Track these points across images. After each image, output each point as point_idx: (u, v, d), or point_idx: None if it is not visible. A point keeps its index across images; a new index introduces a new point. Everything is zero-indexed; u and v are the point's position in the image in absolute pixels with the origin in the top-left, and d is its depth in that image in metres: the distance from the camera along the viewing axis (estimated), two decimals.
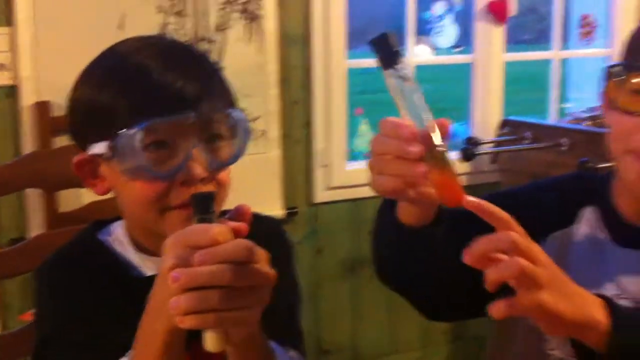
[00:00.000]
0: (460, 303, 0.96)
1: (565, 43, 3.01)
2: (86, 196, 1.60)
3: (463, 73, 2.71)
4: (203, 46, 2.17)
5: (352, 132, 2.74)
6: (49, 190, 1.74)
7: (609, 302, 0.73)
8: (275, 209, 2.29)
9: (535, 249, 0.70)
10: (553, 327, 0.72)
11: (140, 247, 0.96)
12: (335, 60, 2.37)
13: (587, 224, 0.95)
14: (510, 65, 2.73)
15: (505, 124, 2.58)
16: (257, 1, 2.23)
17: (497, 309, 0.68)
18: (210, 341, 0.72)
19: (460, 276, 0.82)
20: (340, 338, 2.56)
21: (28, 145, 2.01)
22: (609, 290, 0.88)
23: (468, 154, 2.28)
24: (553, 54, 2.83)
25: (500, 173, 2.55)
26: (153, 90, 0.86)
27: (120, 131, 0.85)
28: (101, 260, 0.96)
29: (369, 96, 9.07)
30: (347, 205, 2.48)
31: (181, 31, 2.15)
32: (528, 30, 16.02)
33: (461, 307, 0.98)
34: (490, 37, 2.63)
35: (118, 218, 1.00)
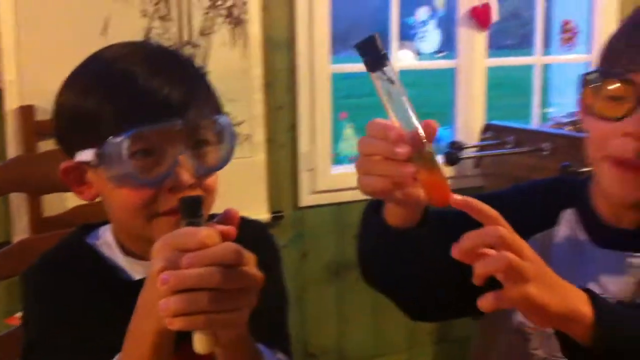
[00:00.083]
0: (446, 303, 0.97)
1: (547, 48, 3.04)
2: (71, 200, 1.59)
3: (446, 78, 2.73)
4: (187, 50, 2.17)
5: (337, 136, 2.75)
6: (34, 194, 1.74)
7: (593, 296, 0.75)
8: (260, 212, 2.29)
9: (522, 243, 0.72)
10: (539, 319, 0.73)
11: (128, 251, 0.96)
12: (319, 64, 2.38)
13: (567, 225, 0.97)
14: (493, 70, 2.75)
15: (488, 128, 2.61)
16: (241, 6, 2.24)
17: (486, 301, 0.69)
18: (199, 342, 0.73)
19: (446, 276, 0.83)
20: (326, 341, 2.57)
21: (12, 149, 2.00)
22: None
23: (452, 159, 2.30)
24: (535, 59, 2.86)
25: (483, 177, 2.57)
26: (139, 97, 0.86)
27: (107, 139, 0.85)
28: (89, 263, 0.96)
29: (353, 100, 9.10)
30: (332, 209, 2.49)
31: (165, 35, 2.15)
32: (511, 36, 16.15)
33: (446, 307, 0.99)
34: (473, 43, 2.65)
35: (105, 222, 1.00)
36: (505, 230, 0.71)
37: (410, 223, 0.84)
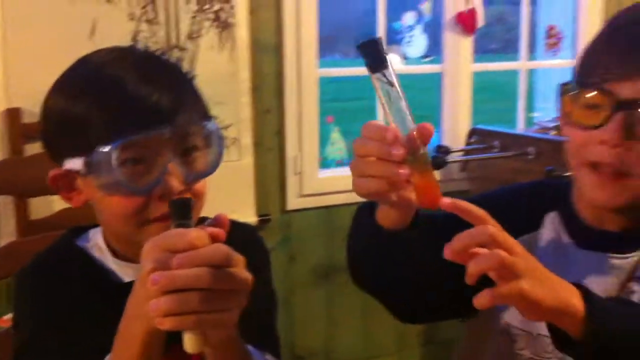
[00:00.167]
0: (436, 305, 0.98)
1: (533, 53, 3.07)
2: (57, 203, 1.59)
3: (432, 82, 2.75)
4: (175, 54, 2.17)
5: (324, 139, 2.76)
6: (21, 197, 1.73)
7: (584, 291, 0.76)
8: (248, 216, 2.30)
9: (512, 241, 0.73)
10: (532, 313, 0.74)
11: (118, 254, 0.97)
12: (306, 68, 2.39)
13: (551, 228, 0.99)
14: (478, 75, 2.77)
15: (474, 132, 2.63)
16: (228, 9, 2.24)
17: (482, 299, 0.70)
18: (189, 342, 0.73)
19: (437, 279, 0.84)
20: (314, 344, 2.57)
21: None
22: None
23: (438, 162, 2.31)
24: (520, 64, 2.88)
25: (469, 181, 2.59)
26: (128, 104, 0.86)
27: (96, 146, 0.85)
28: (80, 266, 0.97)
29: (339, 104, 9.12)
30: (320, 213, 2.49)
31: (153, 39, 2.15)
32: (496, 40, 16.26)
33: (436, 310, 1.00)
34: (459, 48, 2.67)
35: (95, 224, 1.00)
36: (495, 228, 0.72)
37: (401, 225, 0.85)
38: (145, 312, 0.71)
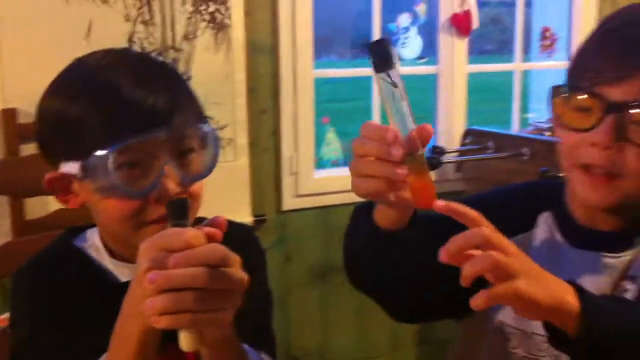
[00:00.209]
0: (433, 305, 0.99)
1: (527, 55, 3.09)
2: (53, 203, 1.59)
3: (428, 83, 2.76)
4: (170, 55, 2.18)
5: (320, 140, 2.77)
6: (16, 197, 1.73)
7: (578, 289, 0.77)
8: (243, 216, 2.30)
9: (506, 241, 0.74)
10: (528, 312, 0.75)
11: (114, 254, 0.97)
12: (302, 69, 2.39)
13: (544, 228, 1.00)
14: (473, 76, 2.78)
15: (468, 133, 2.63)
16: (224, 11, 2.24)
17: (478, 300, 0.71)
18: (185, 341, 0.74)
19: (434, 279, 0.85)
20: (309, 344, 2.58)
21: None
22: None
23: (433, 163, 2.32)
24: (515, 65, 2.90)
25: (464, 181, 2.60)
26: (124, 108, 0.87)
27: (92, 150, 0.85)
28: (77, 266, 0.97)
29: (335, 105, 9.13)
30: (316, 213, 2.50)
31: (148, 40, 2.15)
32: (491, 41, 16.29)
33: (433, 309, 1.01)
34: (454, 49, 2.68)
35: (92, 224, 1.00)
36: (489, 230, 0.73)
37: (399, 225, 0.86)
38: (142, 310, 0.71)
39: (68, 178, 0.91)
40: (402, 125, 0.76)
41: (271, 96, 2.38)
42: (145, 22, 2.14)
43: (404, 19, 2.82)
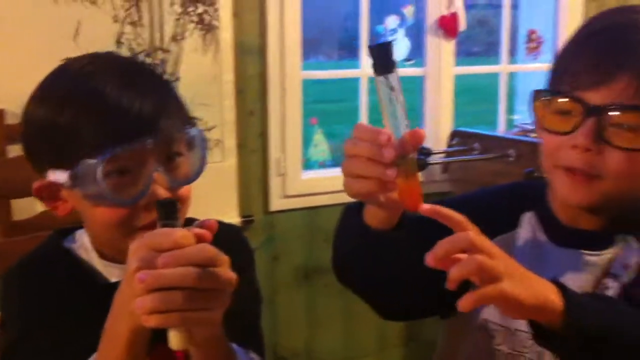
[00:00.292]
0: (419, 304, 1.01)
1: (514, 56, 3.11)
2: (41, 204, 1.59)
3: (415, 85, 2.77)
4: (159, 56, 2.18)
5: (307, 141, 2.77)
6: (3, 198, 1.73)
7: (561, 287, 0.79)
8: (231, 217, 2.31)
9: (490, 244, 0.75)
10: (513, 311, 0.77)
11: (104, 255, 0.97)
12: (290, 71, 2.40)
13: (527, 228, 1.01)
14: (460, 77, 2.80)
15: (455, 135, 2.65)
16: (212, 12, 2.25)
17: (465, 302, 0.72)
18: (174, 339, 0.75)
19: (422, 278, 0.86)
20: (297, 344, 2.59)
21: None
22: None
23: (421, 164, 2.34)
24: (501, 67, 2.92)
25: (451, 182, 2.62)
26: (111, 116, 0.87)
27: (80, 159, 0.86)
28: (66, 267, 0.97)
29: (323, 106, 9.14)
30: (303, 214, 2.51)
31: (137, 41, 2.15)
32: (478, 43, 16.37)
33: (420, 308, 1.03)
34: (441, 51, 2.70)
35: (81, 226, 1.00)
36: (474, 234, 0.74)
37: (388, 226, 0.87)
38: (131, 310, 0.72)
39: (56, 186, 0.91)
40: (396, 128, 0.77)
41: (259, 97, 2.39)
42: (133, 23, 2.14)
43: (391, 21, 2.83)
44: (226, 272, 0.74)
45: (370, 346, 2.71)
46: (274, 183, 2.44)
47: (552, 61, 0.99)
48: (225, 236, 0.81)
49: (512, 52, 3.03)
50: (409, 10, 2.79)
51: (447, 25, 2.66)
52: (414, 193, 0.77)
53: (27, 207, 1.78)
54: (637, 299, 0.87)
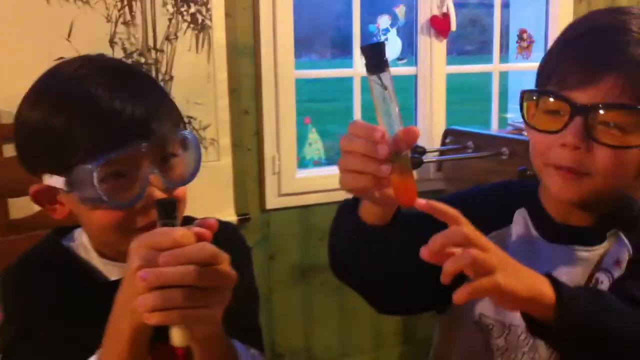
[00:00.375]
0: (414, 299, 1.02)
1: (505, 54, 3.13)
2: None
3: (407, 84, 2.79)
4: (152, 56, 2.19)
5: (302, 140, 2.78)
6: (1, 197, 1.73)
7: (553, 280, 0.81)
8: (227, 215, 2.31)
9: (484, 239, 0.77)
10: (507, 303, 0.80)
11: (103, 254, 0.98)
12: (283, 70, 2.41)
13: (520, 224, 1.03)
14: (453, 77, 2.82)
15: (448, 133, 2.66)
16: (205, 12, 2.26)
17: (460, 295, 0.74)
18: (176, 336, 0.76)
19: (417, 273, 0.88)
20: (294, 342, 2.59)
21: None
22: None
23: (415, 162, 2.35)
24: (493, 67, 2.94)
25: (444, 181, 2.63)
26: (104, 121, 0.87)
27: (76, 166, 0.86)
28: (65, 265, 0.98)
29: (316, 104, 9.15)
30: (298, 212, 2.52)
31: (130, 40, 2.15)
32: (471, 42, 16.40)
33: (415, 302, 1.04)
34: (433, 51, 2.72)
35: (79, 224, 1.01)
36: (467, 228, 0.76)
37: (383, 222, 0.89)
38: (133, 308, 0.73)
39: (53, 190, 0.92)
40: (390, 125, 0.78)
41: (253, 97, 2.40)
42: (126, 23, 2.15)
43: (383, 21, 2.84)
44: (226, 270, 0.75)
45: (367, 343, 2.72)
46: (269, 181, 2.44)
47: (541, 61, 1.01)
48: (222, 234, 0.82)
49: (505, 51, 3.05)
50: (400, 10, 2.80)
51: (439, 25, 2.68)
52: (408, 189, 0.79)
53: (25, 206, 1.78)
54: (628, 293, 0.89)
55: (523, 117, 0.99)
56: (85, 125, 0.87)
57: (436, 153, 2.62)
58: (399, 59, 2.87)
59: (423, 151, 2.45)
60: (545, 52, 1.01)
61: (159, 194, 0.89)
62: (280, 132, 2.44)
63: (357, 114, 2.68)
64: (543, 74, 0.99)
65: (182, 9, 2.22)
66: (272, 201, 2.46)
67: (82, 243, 1.00)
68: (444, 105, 2.77)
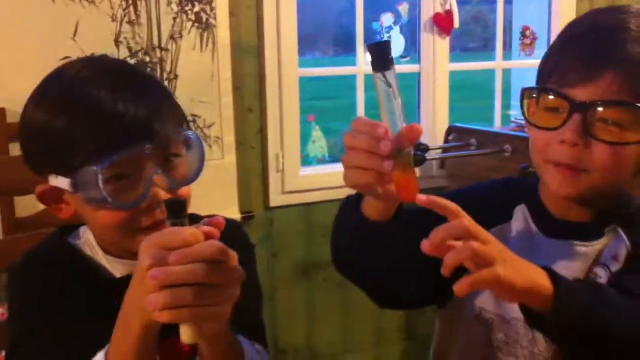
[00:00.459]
0: (416, 293, 1.04)
1: (509, 51, 3.13)
2: None
3: (411, 81, 2.79)
4: (157, 55, 2.20)
5: (305, 137, 2.79)
6: (6, 195, 1.74)
7: (551, 272, 0.83)
8: (231, 213, 2.32)
9: (484, 232, 0.79)
10: (506, 294, 0.81)
11: (108, 251, 0.99)
12: (287, 68, 2.42)
13: (520, 220, 1.05)
14: (456, 74, 2.82)
15: (451, 130, 2.67)
16: (209, 10, 2.27)
17: (460, 286, 0.76)
18: (185, 333, 0.77)
19: (418, 267, 0.89)
20: (297, 338, 2.61)
21: None
22: None
23: (418, 159, 2.36)
24: (496, 64, 2.94)
25: (447, 178, 2.64)
26: (107, 123, 0.88)
27: (80, 167, 0.88)
28: (71, 262, 0.99)
29: (320, 102, 9.14)
30: (301, 209, 2.53)
31: (134, 40, 2.16)
32: (475, 38, 16.38)
33: (416, 297, 1.06)
34: (436, 48, 2.72)
35: (85, 222, 1.02)
36: (467, 221, 0.78)
37: (385, 217, 0.90)
38: (143, 306, 0.74)
39: (59, 190, 0.93)
40: (393, 122, 0.80)
41: (257, 95, 2.40)
42: (131, 22, 2.16)
43: (386, 18, 2.85)
44: (234, 267, 0.77)
45: (369, 339, 2.73)
46: (273, 179, 2.45)
47: (542, 59, 1.02)
48: (226, 231, 0.83)
49: (508, 48, 3.05)
50: (403, 8, 2.81)
51: (442, 23, 2.68)
52: (409, 185, 0.80)
53: (30, 205, 1.79)
54: (626, 287, 0.90)
55: (523, 114, 1.00)
56: (87, 127, 0.88)
57: (439, 150, 2.63)
58: (402, 56, 2.87)
59: (426, 148, 2.45)
60: (547, 51, 1.02)
61: (162, 194, 0.90)
62: (283, 130, 2.44)
63: (361, 112, 2.68)
64: (543, 71, 1.00)
65: (187, 8, 2.23)
66: (276, 199, 2.47)
67: (87, 240, 1.01)
68: (446, 103, 2.78)
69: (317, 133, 2.90)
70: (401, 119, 0.80)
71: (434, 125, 2.74)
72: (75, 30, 2.07)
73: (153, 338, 0.81)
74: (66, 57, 1.93)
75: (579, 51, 0.94)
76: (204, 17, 2.26)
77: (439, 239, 0.76)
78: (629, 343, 0.84)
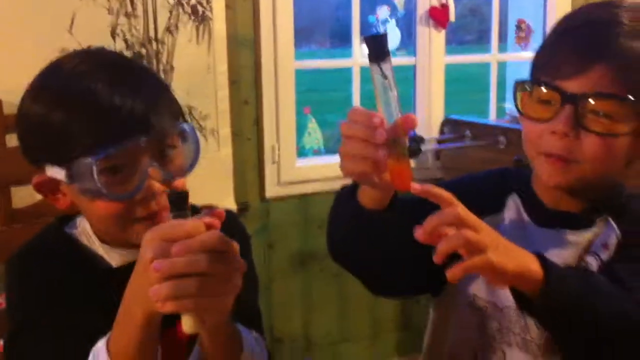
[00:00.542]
0: (410, 281, 1.05)
1: (504, 45, 3.14)
2: None
3: (407, 74, 2.80)
4: (153, 47, 2.20)
5: (301, 129, 2.81)
6: (3, 186, 1.75)
7: (541, 257, 0.85)
8: (227, 204, 2.32)
9: (476, 219, 0.81)
10: (498, 279, 0.83)
11: (105, 240, 1.00)
12: (283, 61, 2.42)
13: (512, 209, 1.06)
14: (452, 67, 2.83)
15: (447, 122, 2.69)
16: (205, 3, 2.27)
17: (453, 272, 0.78)
18: (187, 324, 0.78)
19: (413, 256, 0.91)
20: (293, 328, 2.62)
21: None
22: None
23: (413, 151, 2.37)
24: (491, 57, 2.95)
25: (442, 169, 2.66)
26: (104, 116, 0.89)
27: (76, 159, 0.88)
28: (68, 252, 1.00)
29: (316, 94, 9.14)
30: (297, 201, 2.54)
31: (131, 32, 2.17)
32: (470, 31, 16.38)
33: (410, 285, 1.07)
34: (432, 41, 2.73)
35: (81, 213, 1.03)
36: (460, 209, 0.80)
37: (380, 206, 0.92)
38: (146, 297, 0.75)
39: (55, 181, 0.94)
40: (389, 114, 0.81)
41: (253, 87, 2.41)
42: (127, 15, 2.16)
43: (383, 11, 2.86)
44: (236, 257, 0.78)
45: (365, 329, 2.74)
46: (269, 171, 2.46)
47: (535, 52, 1.03)
48: (224, 222, 0.83)
49: (503, 41, 3.06)
50: (399, 1, 2.82)
51: (438, 16, 2.69)
52: (404, 174, 0.82)
53: (27, 195, 1.80)
54: (615, 275, 0.92)
55: (516, 106, 1.02)
56: (85, 121, 0.89)
57: (434, 142, 2.65)
58: (398, 49, 2.88)
59: (421, 140, 2.47)
60: (540, 44, 1.04)
61: (157, 187, 0.91)
62: (279, 122, 2.45)
63: (356, 104, 2.69)
64: (537, 64, 1.02)
65: (183, 1, 2.23)
66: (272, 190, 2.48)
67: (84, 230, 1.02)
68: (442, 95, 2.79)
69: (313, 125, 2.92)
70: (397, 110, 0.81)
71: (430, 117, 2.76)
72: (72, 23, 2.07)
73: (155, 328, 0.82)
74: (63, 50, 1.94)
75: (573, 44, 0.96)
76: (200, 9, 2.26)
77: (432, 226, 0.78)
78: (617, 329, 0.86)
